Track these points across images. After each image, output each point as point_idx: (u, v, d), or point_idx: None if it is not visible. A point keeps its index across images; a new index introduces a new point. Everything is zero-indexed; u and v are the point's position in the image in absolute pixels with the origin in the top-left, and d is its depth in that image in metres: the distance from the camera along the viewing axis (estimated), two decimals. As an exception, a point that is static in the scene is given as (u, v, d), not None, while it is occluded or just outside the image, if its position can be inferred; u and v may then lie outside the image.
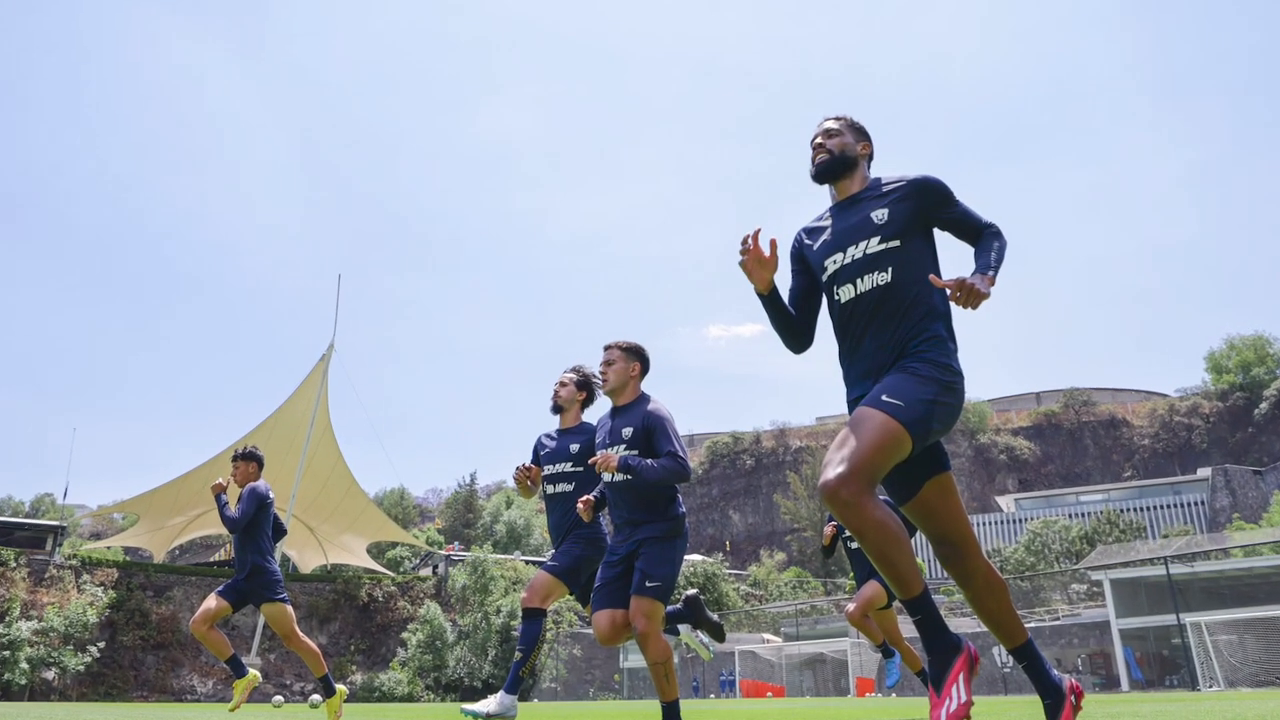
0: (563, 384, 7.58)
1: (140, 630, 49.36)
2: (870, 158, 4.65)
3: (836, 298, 4.35)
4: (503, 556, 61.28)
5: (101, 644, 47.36)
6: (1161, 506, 74.07)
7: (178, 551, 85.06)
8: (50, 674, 45.20)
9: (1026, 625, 5.52)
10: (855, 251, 4.30)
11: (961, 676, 3.86)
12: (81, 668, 45.74)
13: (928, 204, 4.29)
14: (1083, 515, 70.95)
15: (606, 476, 6.39)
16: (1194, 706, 9.66)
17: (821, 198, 4.73)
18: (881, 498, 4.13)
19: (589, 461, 6.51)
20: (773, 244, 4.43)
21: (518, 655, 7.03)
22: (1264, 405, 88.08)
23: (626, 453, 6.31)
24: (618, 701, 42.43)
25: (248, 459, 9.52)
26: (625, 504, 6.35)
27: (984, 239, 4.26)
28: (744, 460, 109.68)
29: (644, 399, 6.55)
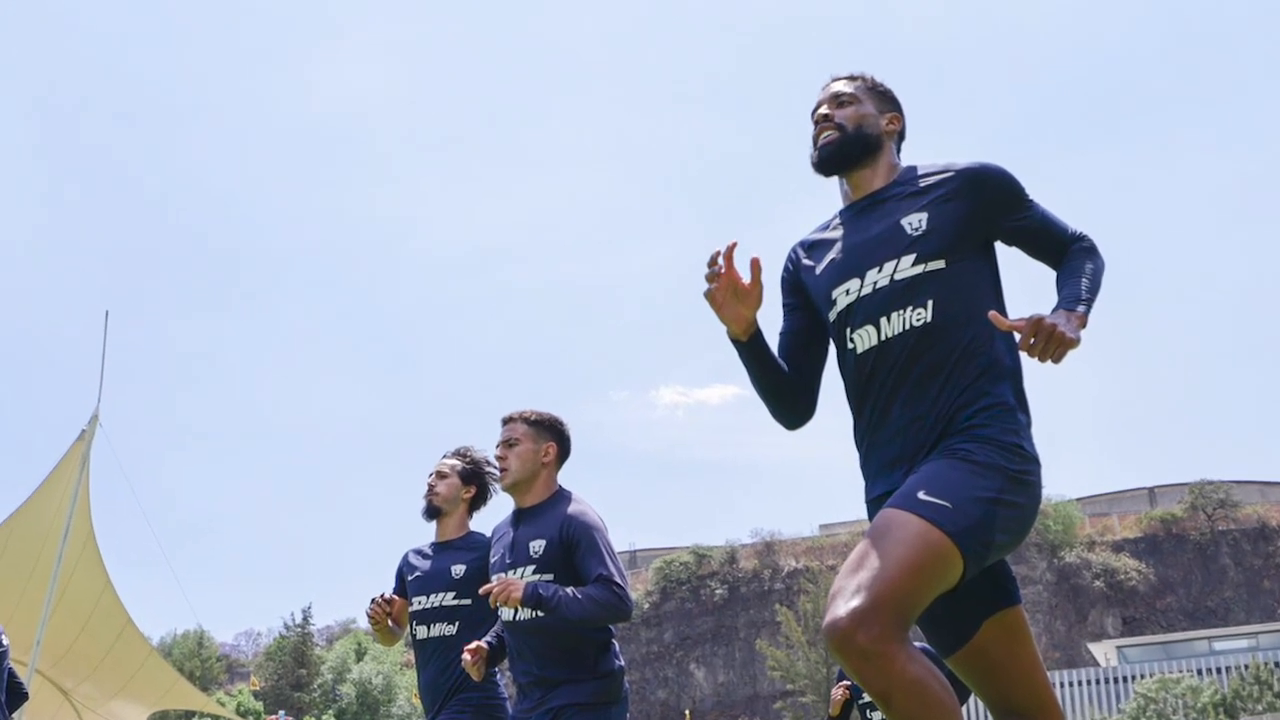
0: (440, 475, 7.56)
1: None
2: (901, 137, 4.68)
3: (851, 346, 4.36)
4: (352, 734, 60.85)
5: None
6: (1336, 658, 74.59)
7: None
8: None
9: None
10: (878, 277, 4.31)
11: None
12: None
13: (987, 205, 4.31)
14: (1219, 671, 71.22)
15: (506, 613, 6.36)
16: None
17: (828, 196, 4.75)
18: (918, 645, 4.11)
19: (480, 591, 6.46)
20: (755, 265, 4.43)
21: None
22: None
23: (536, 577, 6.29)
24: None
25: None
26: (534, 654, 6.33)
27: (1071, 258, 4.28)
28: (712, 589, 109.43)
29: (562, 498, 6.55)
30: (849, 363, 4.37)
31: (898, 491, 4.01)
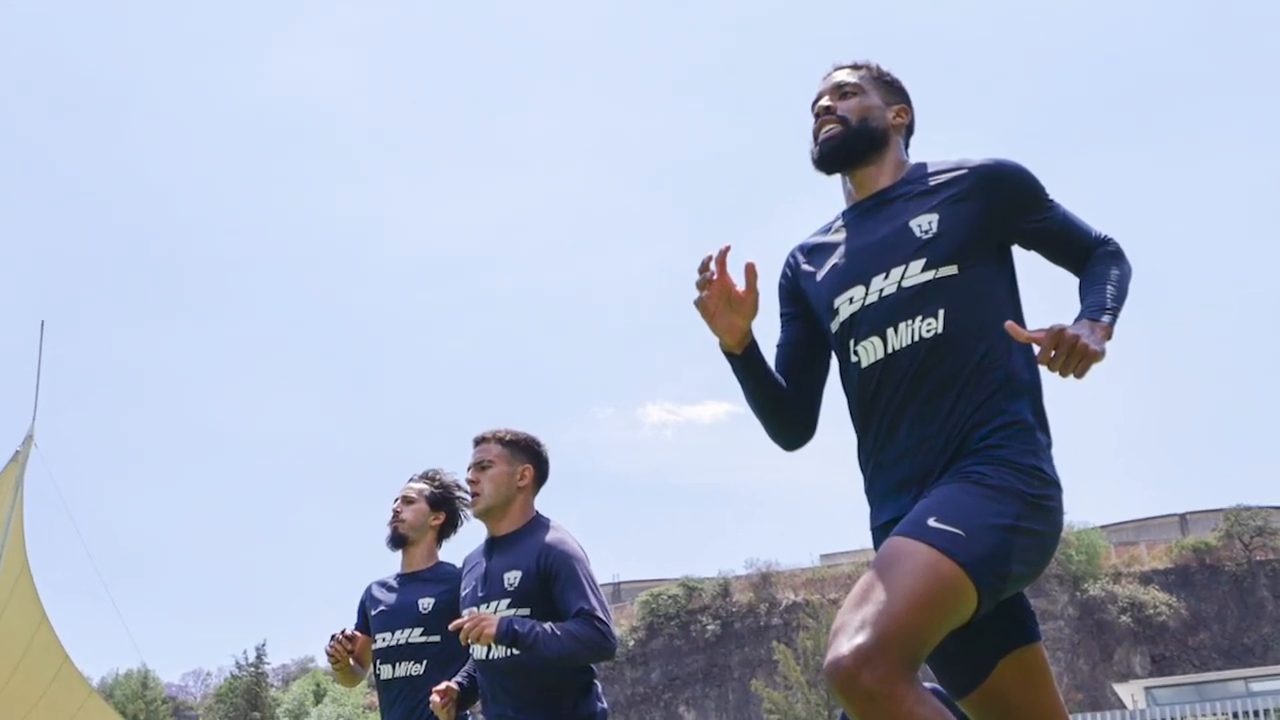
0: (407, 500, 7.57)
1: None
2: (909, 131, 4.69)
3: (855, 359, 4.37)
4: (310, 783, 60.90)
5: None
6: (1385, 699, 74.74)
7: None
8: None
9: None
10: (885, 284, 4.31)
11: None
12: None
13: (1003, 206, 4.32)
14: (1257, 715, 71.39)
15: (479, 651, 6.36)
16: None
17: (830, 196, 4.75)
18: (928, 685, 4.10)
19: (450, 626, 6.45)
20: (750, 271, 4.42)
21: None
22: None
23: (511, 612, 6.29)
24: None
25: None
26: (510, 695, 6.34)
27: (1094, 264, 4.30)
28: (703, 625, 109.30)
29: (539, 525, 6.55)
30: (853, 377, 4.38)
31: (906, 518, 4.00)
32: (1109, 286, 4.15)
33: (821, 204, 4.88)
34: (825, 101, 4.58)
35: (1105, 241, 4.33)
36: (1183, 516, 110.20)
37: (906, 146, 4.65)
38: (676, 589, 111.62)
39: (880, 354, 4.27)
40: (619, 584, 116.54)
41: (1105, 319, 4.02)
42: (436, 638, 7.22)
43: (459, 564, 7.13)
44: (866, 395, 4.32)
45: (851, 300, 4.35)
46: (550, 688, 6.27)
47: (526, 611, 6.27)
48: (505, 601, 6.34)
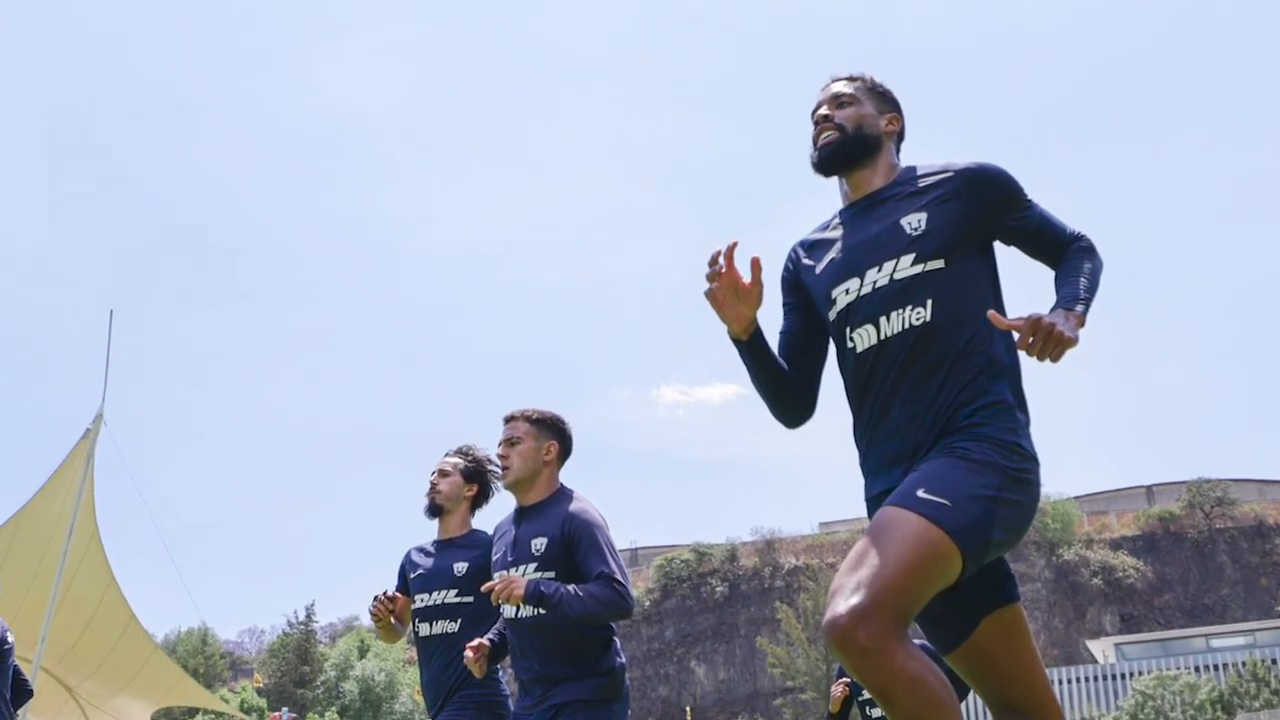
0: (443, 474, 7.55)
1: None
2: (900, 137, 4.69)
3: (850, 345, 4.37)
4: (355, 730, 60.75)
5: None
6: (1333, 655, 74.36)
7: None
8: None
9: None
10: (878, 276, 4.31)
11: None
12: None
13: (986, 205, 4.32)
14: (1216, 668, 71.01)
15: (508, 610, 6.36)
16: None
17: (827, 196, 4.75)
18: (918, 643, 4.10)
19: (482, 588, 6.45)
20: (755, 265, 4.44)
21: None
22: None
23: (538, 575, 6.29)
24: None
25: (-28, 586, 9.41)
26: (536, 652, 6.33)
27: (1069, 258, 4.29)
28: (713, 587, 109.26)
29: (563, 496, 6.54)
30: (849, 361, 4.38)
31: (897, 489, 4.01)
32: (1082, 279, 4.15)
33: (820, 203, 4.87)
34: (824, 110, 4.58)
35: (1079, 238, 4.33)
36: (1149, 488, 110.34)
37: (898, 151, 4.64)
38: (688, 554, 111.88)
39: (874, 340, 4.27)
40: (636, 549, 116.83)
41: (1079, 308, 4.02)
42: (470, 598, 7.20)
43: (490, 531, 7.11)
44: (861, 378, 4.32)
45: (848, 291, 4.35)
46: (574, 644, 6.27)
47: (552, 575, 6.26)
48: (532, 565, 6.33)
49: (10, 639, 9.26)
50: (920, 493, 3.90)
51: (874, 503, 4.28)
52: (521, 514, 6.57)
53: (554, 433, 6.63)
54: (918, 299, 4.22)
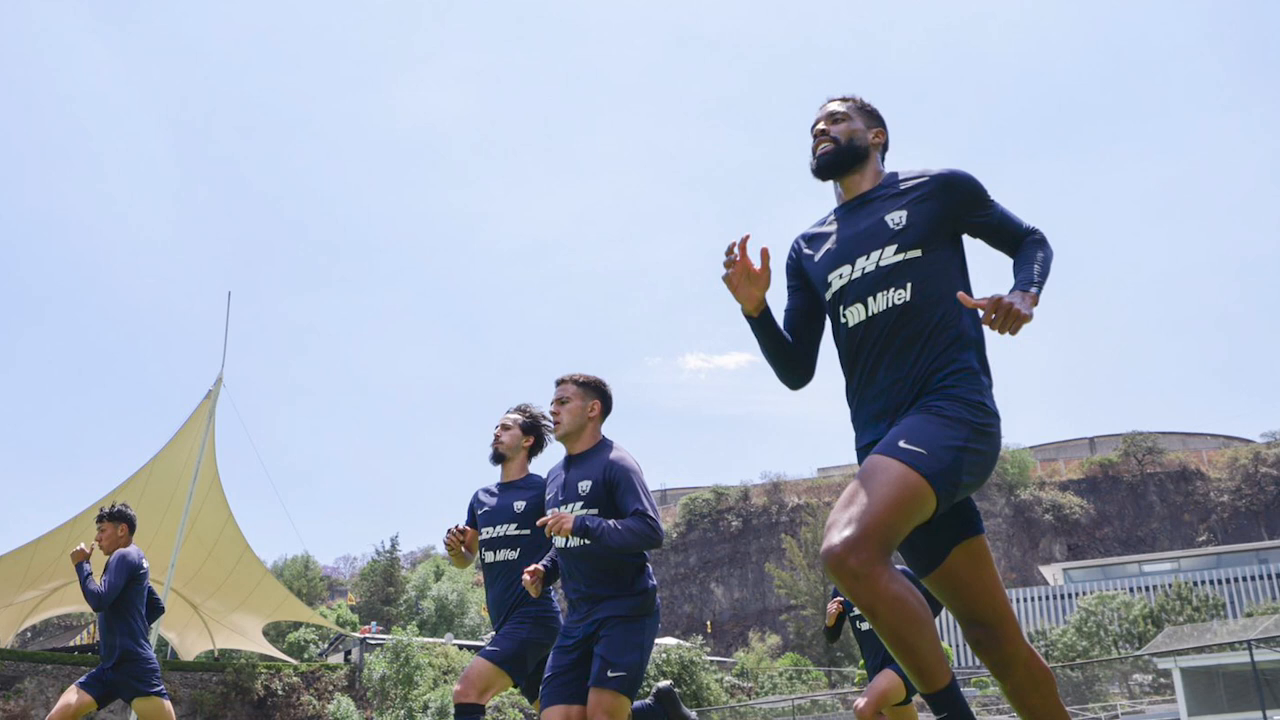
0: (505, 427, 7.55)
1: (-21, 733, 48.75)
2: (885, 148, 4.67)
3: (843, 320, 4.36)
4: (431, 640, 60.86)
5: (-71, 751, 46.74)
6: (1245, 579, 73.69)
7: (29, 634, 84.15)
8: None
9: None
10: (866, 264, 4.31)
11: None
12: (-97, 780, 45.13)
13: (956, 205, 4.32)
14: (1147, 589, 70.91)
15: (559, 541, 6.36)
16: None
17: (825, 197, 4.74)
18: (899, 568, 4.11)
19: (537, 523, 6.49)
20: (764, 254, 4.44)
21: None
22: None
23: (584, 512, 6.30)
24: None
25: (116, 520, 9.38)
26: (582, 575, 6.34)
27: (1025, 248, 4.28)
28: (729, 521, 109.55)
29: (605, 446, 6.54)
30: (842, 335, 4.38)
31: (882, 440, 4.02)
32: (1036, 265, 4.14)
33: (818, 203, 4.91)
34: (821, 126, 4.59)
35: (1033, 231, 4.32)
36: (1091, 439, 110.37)
37: (883, 159, 4.63)
38: (709, 494, 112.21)
39: (863, 317, 4.27)
40: (666, 490, 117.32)
41: (1033, 290, 4.02)
42: (527, 531, 7.21)
43: (544, 475, 7.13)
44: (852, 348, 4.32)
45: (841, 276, 4.35)
46: (613, 569, 6.27)
47: (595, 511, 6.26)
48: (579, 504, 6.33)
49: (146, 565, 9.27)
50: (901, 443, 3.91)
51: (863, 452, 4.30)
52: (570, 461, 6.57)
53: (597, 393, 6.63)
54: (899, 282, 4.22)
